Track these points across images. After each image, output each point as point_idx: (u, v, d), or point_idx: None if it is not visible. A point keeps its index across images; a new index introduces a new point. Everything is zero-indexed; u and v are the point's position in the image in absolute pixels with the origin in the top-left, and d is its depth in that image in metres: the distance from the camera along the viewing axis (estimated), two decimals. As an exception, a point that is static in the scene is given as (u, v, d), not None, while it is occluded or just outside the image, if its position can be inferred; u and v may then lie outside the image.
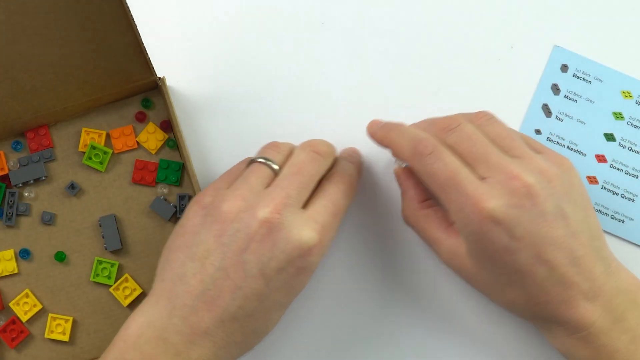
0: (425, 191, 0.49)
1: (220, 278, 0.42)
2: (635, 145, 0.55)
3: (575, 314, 0.43)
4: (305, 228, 0.42)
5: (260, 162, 0.46)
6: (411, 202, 0.49)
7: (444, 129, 0.46)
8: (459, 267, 0.46)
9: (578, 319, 0.43)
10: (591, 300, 0.43)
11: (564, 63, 0.56)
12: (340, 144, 0.55)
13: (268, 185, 0.45)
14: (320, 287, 0.53)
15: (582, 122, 0.55)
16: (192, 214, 0.45)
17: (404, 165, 0.51)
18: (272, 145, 0.48)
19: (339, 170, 0.48)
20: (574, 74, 0.56)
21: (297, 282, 0.43)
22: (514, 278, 0.43)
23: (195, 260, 0.43)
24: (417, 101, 0.56)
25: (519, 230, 0.42)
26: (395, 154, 0.48)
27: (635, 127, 0.55)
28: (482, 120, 0.46)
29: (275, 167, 0.46)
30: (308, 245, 0.42)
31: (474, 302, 0.52)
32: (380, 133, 0.49)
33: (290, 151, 0.48)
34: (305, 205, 0.45)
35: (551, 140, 0.55)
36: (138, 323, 0.42)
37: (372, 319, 0.53)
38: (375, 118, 0.51)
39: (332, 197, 0.45)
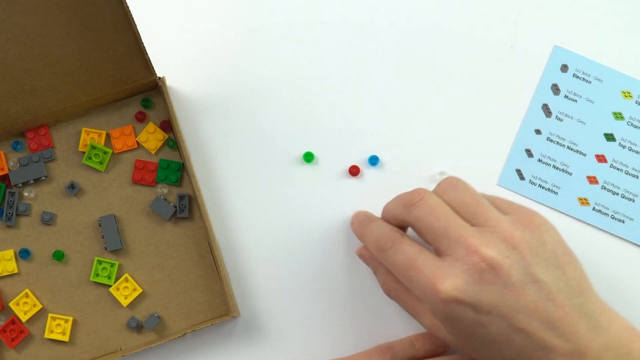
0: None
1: None
2: (636, 145, 0.55)
3: None
4: None
5: None
6: (387, 276, 0.50)
7: (407, 205, 0.46)
8: (443, 337, 0.47)
9: None
10: None
11: (564, 63, 0.56)
12: (341, 144, 0.55)
13: None
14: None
15: (582, 122, 0.55)
16: None
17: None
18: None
19: None
20: (574, 74, 0.56)
21: None
22: (493, 348, 0.43)
23: None
24: (417, 101, 0.56)
25: (484, 305, 0.41)
26: (369, 249, 0.49)
27: (635, 127, 0.55)
28: (446, 188, 0.46)
29: None
30: None
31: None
32: (357, 231, 0.51)
33: None
34: None
35: (551, 140, 0.55)
36: None
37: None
38: (359, 210, 0.53)
39: None
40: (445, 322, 0.43)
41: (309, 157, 0.54)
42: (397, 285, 0.49)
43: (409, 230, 0.48)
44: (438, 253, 0.43)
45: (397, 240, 0.45)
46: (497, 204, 0.45)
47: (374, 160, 0.54)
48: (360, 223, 0.51)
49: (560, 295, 0.42)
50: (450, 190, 0.45)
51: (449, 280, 0.41)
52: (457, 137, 0.55)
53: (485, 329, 0.42)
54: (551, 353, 0.41)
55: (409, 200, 0.45)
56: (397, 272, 0.45)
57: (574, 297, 0.42)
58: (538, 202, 0.54)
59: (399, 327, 0.52)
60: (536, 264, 0.42)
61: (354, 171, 0.54)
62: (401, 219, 0.46)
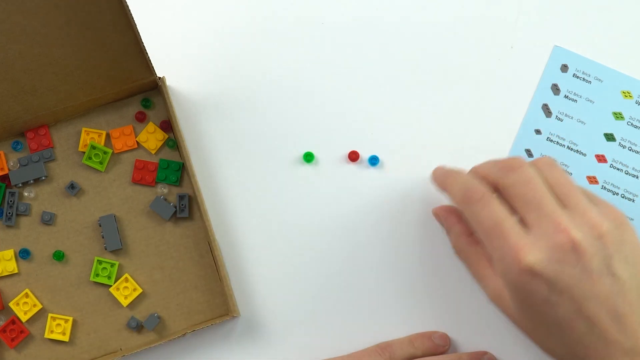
0: (470, 225, 0.49)
1: None
2: (636, 145, 0.55)
3: None
4: None
5: None
6: (460, 237, 0.50)
7: (504, 168, 0.46)
8: (503, 307, 0.47)
9: None
10: (632, 358, 0.42)
11: (564, 63, 0.56)
12: (341, 144, 0.55)
13: None
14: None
15: (582, 122, 0.55)
16: None
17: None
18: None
19: None
20: (574, 74, 0.56)
21: None
22: (554, 330, 0.43)
23: None
24: (417, 101, 0.56)
25: (560, 285, 0.42)
26: (450, 197, 0.49)
27: (635, 127, 0.55)
28: (543, 165, 0.46)
29: None
30: None
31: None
32: (439, 180, 0.51)
33: None
34: None
35: (551, 140, 0.55)
36: None
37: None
38: (440, 164, 0.52)
39: None
40: (514, 293, 0.43)
41: (309, 157, 0.54)
42: (469, 247, 0.49)
43: None
44: (524, 223, 0.44)
45: (487, 195, 0.45)
46: (587, 195, 0.46)
47: (374, 161, 0.54)
48: (446, 172, 0.50)
49: (631, 293, 0.42)
50: (547, 169, 0.46)
51: (533, 252, 0.42)
52: (457, 137, 0.55)
53: (553, 309, 0.42)
54: (610, 346, 0.42)
55: (508, 165, 0.46)
56: (480, 228, 0.45)
57: None
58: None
59: (399, 327, 0.52)
60: (616, 258, 0.43)
61: (354, 157, 0.54)
62: (494, 181, 0.46)
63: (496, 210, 0.44)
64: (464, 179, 0.47)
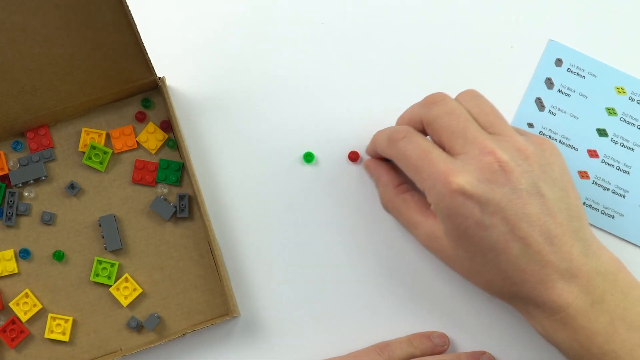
0: (398, 176, 0.50)
1: None
2: (628, 141, 0.55)
3: (551, 294, 0.43)
4: None
5: None
6: (387, 187, 0.51)
7: (427, 104, 0.47)
8: (437, 249, 0.47)
9: (554, 299, 0.43)
10: (568, 281, 0.43)
11: (558, 57, 0.56)
12: (341, 144, 0.55)
13: None
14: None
15: (575, 117, 0.55)
16: None
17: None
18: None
19: None
20: (568, 69, 0.56)
21: None
22: (489, 256, 0.43)
23: None
24: (417, 99, 0.56)
25: (491, 205, 0.42)
26: (379, 152, 0.50)
27: (628, 123, 0.55)
28: (467, 97, 0.47)
29: None
30: None
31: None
32: (369, 146, 0.52)
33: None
34: None
35: (544, 134, 0.55)
36: None
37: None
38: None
39: None
40: (448, 221, 0.44)
41: (309, 157, 0.54)
42: (397, 196, 0.50)
43: None
44: (451, 153, 0.44)
45: (410, 132, 0.46)
46: (513, 126, 0.47)
47: None
48: (373, 138, 0.51)
49: (560, 214, 0.43)
50: (471, 99, 0.47)
51: (462, 174, 0.42)
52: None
53: (487, 232, 0.42)
54: (545, 268, 0.43)
55: (431, 99, 0.47)
56: (408, 164, 0.45)
57: (573, 220, 0.44)
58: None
59: (399, 327, 0.52)
60: (543, 179, 0.43)
61: (354, 157, 0.54)
62: (418, 118, 0.47)
63: (421, 142, 0.45)
64: (388, 128, 0.49)
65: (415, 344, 0.51)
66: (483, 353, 0.51)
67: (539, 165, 0.44)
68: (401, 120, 0.49)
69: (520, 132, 0.47)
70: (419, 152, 0.45)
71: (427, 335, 0.52)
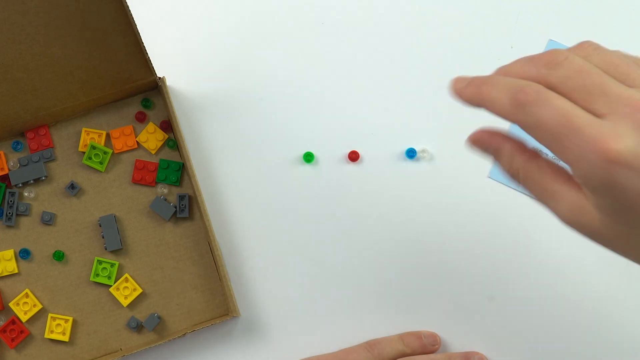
0: (523, 139, 0.42)
1: None
2: None
3: None
4: None
5: None
6: (515, 155, 0.41)
7: (547, 65, 0.39)
8: (584, 224, 0.39)
9: None
10: None
11: (558, 57, 0.56)
12: (341, 144, 0.55)
13: None
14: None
15: None
16: None
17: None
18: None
19: None
20: (568, 69, 0.56)
21: None
22: None
23: None
24: (417, 100, 0.56)
25: None
26: (492, 110, 0.40)
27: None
28: (589, 50, 0.40)
29: None
30: None
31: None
32: (469, 90, 0.41)
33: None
34: None
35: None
36: None
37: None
38: (459, 75, 0.42)
39: None
40: (603, 196, 0.37)
41: (309, 157, 0.54)
42: (529, 163, 0.41)
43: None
44: (595, 115, 0.37)
45: (543, 92, 0.37)
46: None
47: (411, 154, 0.54)
48: (475, 80, 0.41)
49: None
50: (594, 53, 0.40)
51: (619, 138, 0.35)
52: (449, 131, 0.54)
53: None
54: None
55: (551, 59, 0.39)
56: (544, 133, 0.37)
57: None
58: (530, 197, 0.54)
59: (398, 327, 0.52)
60: None
61: (354, 157, 0.54)
62: (535, 80, 0.39)
63: (560, 104, 0.37)
64: (508, 81, 0.39)
65: (405, 342, 0.51)
66: (475, 354, 0.51)
67: None
68: (508, 75, 0.41)
69: None
70: (558, 117, 0.37)
71: (418, 335, 0.52)
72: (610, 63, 0.39)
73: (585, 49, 0.40)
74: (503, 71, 0.41)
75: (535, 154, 0.41)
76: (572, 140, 0.36)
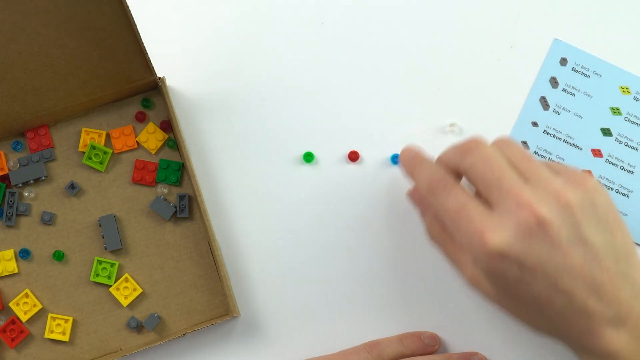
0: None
1: None
2: (632, 140, 0.55)
3: (600, 343, 0.41)
4: None
5: None
6: (434, 221, 0.48)
7: (463, 151, 0.45)
8: (482, 291, 0.45)
9: (603, 347, 0.41)
10: (617, 327, 0.41)
11: (563, 56, 0.56)
12: (341, 144, 0.55)
13: None
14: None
15: (579, 116, 0.55)
16: None
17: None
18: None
19: None
20: (572, 68, 0.56)
21: None
22: (534, 308, 0.42)
23: None
24: (417, 100, 0.56)
25: (530, 263, 0.40)
26: (417, 188, 0.49)
27: (633, 122, 0.55)
28: (501, 144, 0.45)
29: None
30: None
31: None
32: (407, 166, 0.49)
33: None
34: None
35: (548, 133, 0.55)
36: None
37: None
38: (409, 144, 0.50)
39: None
40: (487, 276, 0.42)
41: (309, 157, 0.54)
42: (442, 232, 0.48)
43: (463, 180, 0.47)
44: (488, 204, 0.42)
45: (449, 184, 0.44)
46: (550, 165, 0.45)
47: (395, 159, 0.54)
48: (412, 160, 0.48)
49: (607, 258, 0.41)
50: (505, 147, 0.45)
51: (497, 232, 0.40)
52: (449, 131, 0.55)
53: (528, 287, 0.41)
54: (591, 319, 0.41)
55: (465, 147, 0.45)
56: (446, 216, 0.44)
57: (620, 262, 0.42)
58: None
59: (398, 327, 0.52)
60: (586, 224, 0.41)
61: (354, 157, 0.54)
62: (455, 165, 0.45)
63: (459, 195, 0.43)
64: (429, 168, 0.46)
65: (405, 343, 0.51)
66: (475, 354, 0.51)
67: (580, 209, 0.41)
68: (440, 161, 0.47)
69: (557, 169, 0.44)
70: (456, 206, 0.43)
71: (418, 335, 0.52)
72: (514, 157, 0.44)
73: (500, 142, 0.46)
74: (439, 158, 0.47)
75: None
76: (463, 228, 0.42)
